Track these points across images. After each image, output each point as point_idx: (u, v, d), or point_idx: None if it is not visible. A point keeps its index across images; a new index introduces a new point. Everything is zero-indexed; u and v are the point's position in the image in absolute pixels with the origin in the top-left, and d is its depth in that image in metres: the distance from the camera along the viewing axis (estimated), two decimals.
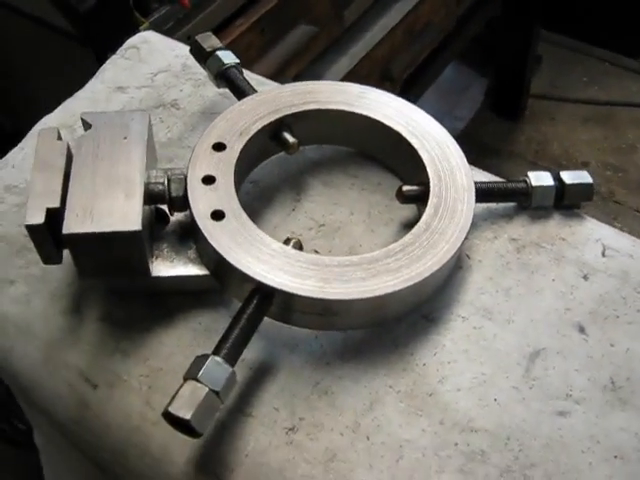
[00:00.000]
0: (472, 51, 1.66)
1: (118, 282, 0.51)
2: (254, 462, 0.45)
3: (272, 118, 0.53)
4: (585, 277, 0.51)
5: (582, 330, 0.49)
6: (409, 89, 1.35)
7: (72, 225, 0.45)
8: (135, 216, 0.46)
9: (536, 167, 1.65)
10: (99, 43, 0.78)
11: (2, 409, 1.26)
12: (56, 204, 0.47)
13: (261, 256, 0.46)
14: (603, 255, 0.52)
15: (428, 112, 0.55)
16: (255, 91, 0.56)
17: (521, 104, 1.90)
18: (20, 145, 0.63)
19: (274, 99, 0.55)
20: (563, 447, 0.44)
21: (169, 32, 0.90)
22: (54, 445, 0.77)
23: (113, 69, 0.68)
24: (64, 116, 0.65)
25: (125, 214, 0.46)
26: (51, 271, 0.55)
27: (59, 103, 0.68)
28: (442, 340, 0.49)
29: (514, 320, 0.49)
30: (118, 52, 0.69)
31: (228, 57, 0.58)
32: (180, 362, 0.49)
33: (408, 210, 0.55)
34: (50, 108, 0.67)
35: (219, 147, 0.51)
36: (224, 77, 0.58)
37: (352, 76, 1.18)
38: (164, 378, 0.49)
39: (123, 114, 0.52)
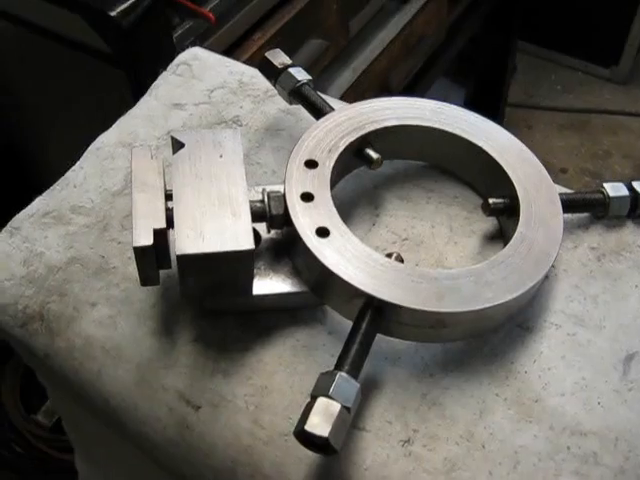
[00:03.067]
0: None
1: (216, 301, 0.51)
2: (375, 476, 0.45)
3: (357, 135, 0.54)
4: None
5: None
6: None
7: (185, 246, 0.45)
8: (246, 235, 0.46)
9: None
10: (135, 62, 0.77)
11: (3, 434, 1.23)
12: (162, 225, 0.47)
13: (371, 271, 0.47)
14: None
15: None
16: (332, 109, 0.57)
17: (499, 113, 1.96)
18: (79, 164, 0.62)
19: (356, 116, 0.55)
20: None
21: (190, 47, 0.90)
22: (98, 468, 0.76)
23: (166, 86, 0.67)
24: (121, 134, 0.64)
25: (236, 233, 0.46)
26: (133, 292, 0.55)
27: (91, 125, 0.67)
28: (539, 347, 0.51)
29: (605, 326, 0.51)
30: (169, 69, 0.68)
31: (300, 74, 0.59)
32: (284, 379, 0.49)
33: (488, 222, 0.56)
34: (82, 131, 0.67)
35: (311, 164, 0.52)
36: (298, 94, 0.58)
37: (354, 89, 1.19)
38: (270, 396, 0.49)
39: (215, 132, 0.52)
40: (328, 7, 1.06)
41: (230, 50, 0.95)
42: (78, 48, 0.87)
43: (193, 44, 0.91)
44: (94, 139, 0.65)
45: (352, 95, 1.19)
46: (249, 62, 0.96)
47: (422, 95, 1.51)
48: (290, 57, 1.05)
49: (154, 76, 0.70)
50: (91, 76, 0.92)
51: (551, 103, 2.11)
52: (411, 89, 1.39)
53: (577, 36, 2.17)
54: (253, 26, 0.97)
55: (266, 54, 0.60)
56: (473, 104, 1.92)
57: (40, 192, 0.62)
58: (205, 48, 0.92)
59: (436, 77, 1.50)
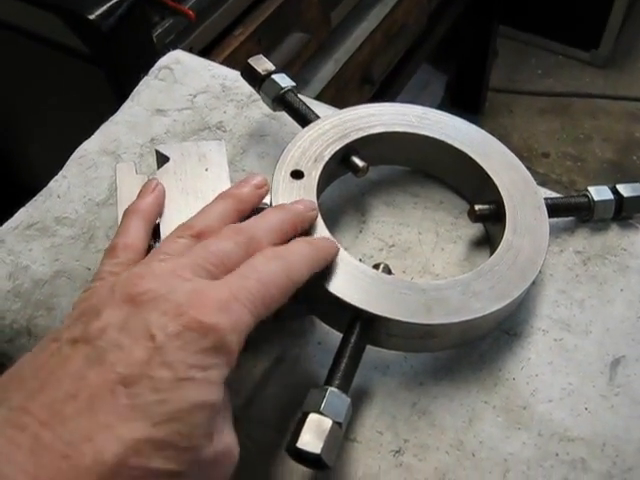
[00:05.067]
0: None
1: None
2: None
3: (342, 143, 0.54)
4: None
5: None
6: (386, 90, 1.38)
7: None
8: None
9: None
10: (115, 63, 0.76)
11: None
12: (150, 242, 0.47)
13: (359, 284, 0.47)
14: None
15: None
16: (317, 115, 0.56)
17: (481, 98, 1.95)
18: (62, 173, 0.62)
19: (340, 124, 0.55)
20: None
21: (171, 45, 0.89)
22: None
23: (148, 91, 0.66)
24: (104, 141, 0.63)
25: None
26: None
27: (72, 124, 0.66)
28: (527, 354, 0.51)
29: (591, 331, 0.52)
30: (150, 73, 0.68)
31: (284, 80, 0.58)
32: (273, 392, 0.50)
33: (474, 228, 0.57)
34: (63, 130, 0.66)
35: (297, 175, 0.52)
36: (282, 101, 0.58)
37: (337, 80, 1.18)
38: (259, 408, 0.49)
39: (199, 145, 0.51)
40: (308, 0, 1.05)
41: (211, 46, 0.94)
42: (57, 48, 0.86)
43: (173, 42, 0.90)
44: (75, 139, 0.64)
45: (335, 86, 1.19)
46: (231, 58, 0.95)
47: (404, 83, 1.51)
48: (272, 51, 1.05)
49: (135, 76, 0.69)
50: (70, 74, 0.90)
51: (532, 87, 2.11)
52: (393, 78, 1.39)
53: (557, 19, 2.16)
54: (234, 22, 0.96)
55: (249, 60, 0.59)
56: (455, 90, 1.92)
57: (21, 192, 0.61)
58: (186, 45, 0.91)
59: (418, 66, 1.50)
